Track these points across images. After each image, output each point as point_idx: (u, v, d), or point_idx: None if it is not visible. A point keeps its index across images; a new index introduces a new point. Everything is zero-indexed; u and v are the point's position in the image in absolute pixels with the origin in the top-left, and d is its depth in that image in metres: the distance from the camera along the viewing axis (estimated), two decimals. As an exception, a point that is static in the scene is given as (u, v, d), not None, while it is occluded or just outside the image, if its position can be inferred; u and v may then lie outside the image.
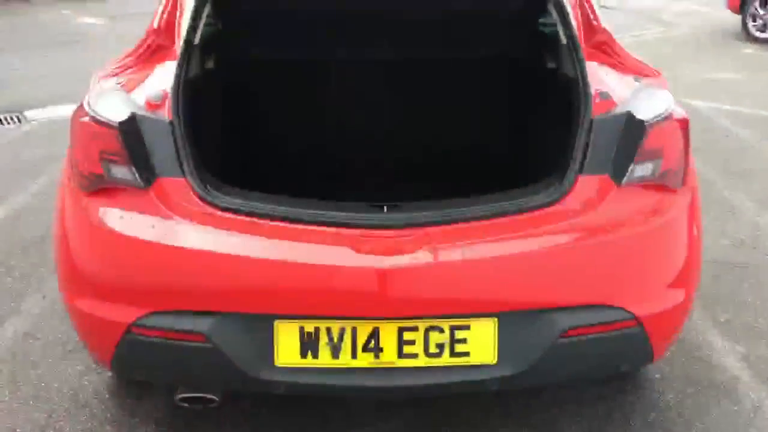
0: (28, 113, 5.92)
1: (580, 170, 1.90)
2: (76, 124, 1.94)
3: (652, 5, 11.88)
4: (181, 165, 1.87)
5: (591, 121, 1.93)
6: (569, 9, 2.21)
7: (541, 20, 2.61)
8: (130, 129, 1.84)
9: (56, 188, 2.11)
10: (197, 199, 1.84)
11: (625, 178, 1.88)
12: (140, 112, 1.89)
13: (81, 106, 1.95)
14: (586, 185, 1.89)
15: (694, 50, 8.62)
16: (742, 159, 4.88)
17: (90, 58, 7.25)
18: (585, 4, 2.44)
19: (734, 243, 3.60)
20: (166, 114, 1.92)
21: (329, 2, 2.54)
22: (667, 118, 1.92)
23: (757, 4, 8.95)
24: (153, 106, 1.94)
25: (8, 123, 5.79)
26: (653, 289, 1.92)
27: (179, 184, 1.86)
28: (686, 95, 6.15)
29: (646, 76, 2.22)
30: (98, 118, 1.85)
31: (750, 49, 8.68)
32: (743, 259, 3.42)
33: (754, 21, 9.05)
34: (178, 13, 2.31)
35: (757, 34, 9.01)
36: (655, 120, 1.88)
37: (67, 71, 6.92)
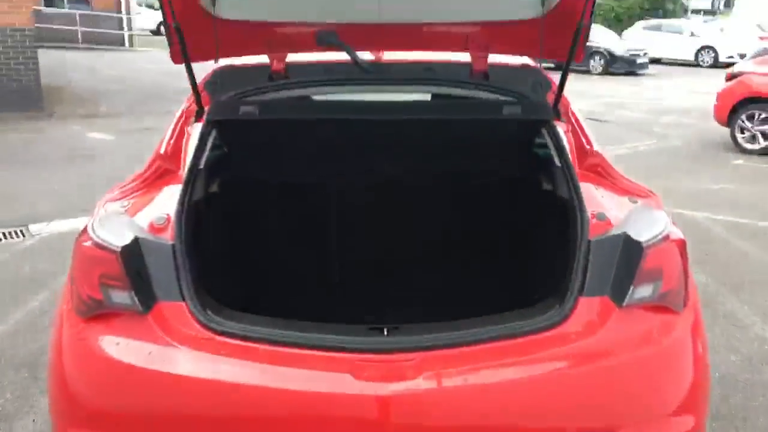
0: (33, 227, 5.98)
1: (581, 292, 1.89)
2: (78, 249, 1.96)
3: (643, 117, 12.30)
4: (181, 289, 1.87)
5: (589, 243, 1.94)
6: (562, 133, 2.29)
7: (536, 142, 2.69)
8: (132, 253, 1.85)
9: (55, 305, 2.10)
10: (196, 324, 1.83)
11: (625, 300, 1.87)
12: (143, 236, 1.91)
13: (84, 230, 1.98)
14: (586, 308, 1.88)
15: (687, 161, 8.84)
16: (744, 270, 4.88)
17: (97, 174, 7.44)
18: (577, 128, 2.53)
19: (742, 359, 3.53)
20: (168, 237, 1.94)
21: (331, 130, 2.63)
22: (665, 239, 1.94)
23: (744, 117, 9.27)
24: (156, 229, 1.97)
25: (12, 237, 5.84)
26: (659, 416, 1.87)
27: (179, 309, 1.85)
28: (683, 206, 6.25)
29: (641, 196, 2.27)
30: (100, 242, 1.87)
31: (741, 160, 8.91)
32: (753, 377, 3.34)
33: (743, 133, 9.33)
34: (185, 139, 2.40)
35: (747, 145, 9.27)
36: (652, 241, 1.90)
37: (73, 186, 7.06)
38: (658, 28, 24.89)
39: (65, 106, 11.52)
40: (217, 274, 2.34)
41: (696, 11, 44.22)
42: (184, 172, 2.17)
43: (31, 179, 7.34)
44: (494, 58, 2.80)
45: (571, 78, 2.58)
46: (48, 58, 13.28)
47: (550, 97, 2.68)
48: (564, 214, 2.11)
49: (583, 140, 2.52)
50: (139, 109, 11.57)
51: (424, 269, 2.96)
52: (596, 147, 2.51)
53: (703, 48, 23.52)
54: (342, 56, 2.68)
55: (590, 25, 2.36)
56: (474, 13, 2.65)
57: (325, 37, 2.60)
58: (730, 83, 9.54)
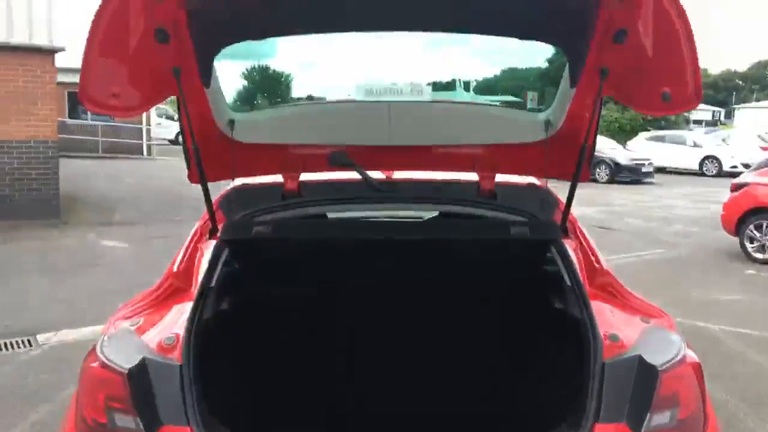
0: (40, 337, 5.95)
1: (596, 418, 1.84)
2: (85, 370, 1.95)
3: (650, 226, 12.37)
4: (186, 413, 1.84)
5: (603, 366, 1.91)
6: (571, 252, 2.31)
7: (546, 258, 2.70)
8: (139, 376, 1.84)
9: (56, 418, 2.05)
10: None
11: (643, 428, 1.82)
12: (151, 356, 1.91)
13: (93, 350, 1.97)
14: None
15: (696, 271, 8.80)
16: (763, 386, 4.74)
17: (108, 282, 7.48)
18: (585, 245, 2.55)
19: (768, 483, 3.37)
20: (177, 358, 1.93)
21: (343, 249, 2.66)
22: (680, 362, 1.91)
23: (752, 226, 9.30)
24: (165, 349, 1.97)
25: (19, 347, 5.80)
26: None
27: None
28: (695, 317, 6.17)
29: (653, 316, 2.25)
30: (107, 363, 1.86)
31: (752, 270, 8.85)
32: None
33: (752, 243, 9.33)
34: (197, 256, 2.44)
35: (757, 255, 9.24)
36: (667, 365, 1.87)
37: (84, 295, 7.08)
38: (661, 138, 25.51)
39: (81, 214, 11.76)
40: (226, 396, 2.30)
41: (697, 122, 45.53)
42: (195, 290, 2.20)
43: (42, 288, 7.38)
44: (501, 177, 2.88)
45: (578, 186, 2.64)
46: (68, 167, 13.69)
47: (558, 215, 2.73)
48: (576, 335, 2.09)
49: (592, 258, 2.53)
50: (154, 217, 11.79)
51: (432, 391, 2.90)
52: (605, 265, 2.52)
53: (707, 158, 23.98)
54: (353, 175, 2.78)
55: (594, 146, 2.44)
56: (480, 137, 2.76)
57: (337, 158, 2.71)
58: (735, 194, 9.65)
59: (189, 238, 2.78)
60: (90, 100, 2.11)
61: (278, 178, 2.86)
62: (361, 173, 2.76)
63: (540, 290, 2.59)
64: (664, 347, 1.94)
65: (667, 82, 2.12)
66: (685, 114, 36.71)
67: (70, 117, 22.50)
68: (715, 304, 7.04)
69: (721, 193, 14.92)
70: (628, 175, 20.78)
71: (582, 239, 2.70)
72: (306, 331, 2.90)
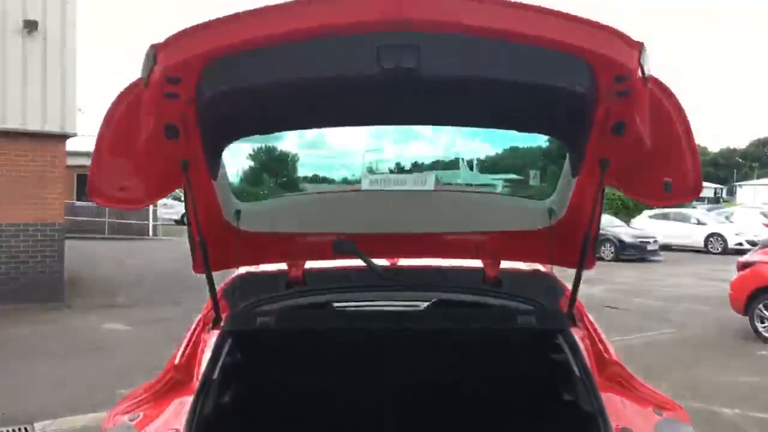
0: (38, 425, 5.80)
1: None
2: None
3: (659, 305, 12.22)
4: None
5: None
6: (579, 342, 2.27)
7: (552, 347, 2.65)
8: None
9: None
10: None
11: None
12: None
13: None
14: None
15: (709, 351, 8.62)
16: (784, 476, 4.55)
17: (108, 366, 7.36)
18: (593, 335, 2.51)
19: None
20: None
21: (348, 338, 2.62)
22: None
23: (761, 306, 9.18)
24: None
25: (15, 436, 5.65)
26: None
27: None
28: (709, 401, 6.00)
29: (666, 408, 2.19)
30: None
31: (765, 351, 8.66)
32: None
33: (763, 323, 9.18)
34: (200, 347, 2.40)
35: (768, 335, 9.09)
36: None
37: (84, 380, 6.96)
38: (665, 216, 25.59)
39: (84, 297, 11.70)
40: None
41: (700, 199, 45.87)
42: (196, 382, 2.15)
43: (41, 372, 7.26)
44: (506, 264, 2.87)
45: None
46: (74, 249, 13.73)
47: (564, 302, 2.70)
48: (587, 429, 2.03)
49: (601, 347, 2.49)
50: (157, 298, 11.73)
51: None
52: (614, 354, 2.48)
53: (711, 235, 23.98)
54: (358, 263, 2.77)
55: (597, 235, 2.44)
56: (484, 223, 2.77)
57: (342, 246, 2.71)
58: (742, 272, 9.58)
59: (192, 328, 2.75)
60: (100, 195, 2.14)
61: (283, 266, 2.86)
62: (366, 261, 2.75)
63: (548, 381, 2.52)
64: None
65: (668, 173, 2.13)
66: (687, 191, 36.84)
67: (78, 199, 22.81)
68: (730, 387, 6.86)
69: (727, 270, 14.84)
70: (634, 253, 20.72)
71: (590, 327, 2.66)
72: (311, 424, 2.82)
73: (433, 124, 2.64)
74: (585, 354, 2.26)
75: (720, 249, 23.43)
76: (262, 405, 2.74)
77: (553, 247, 2.58)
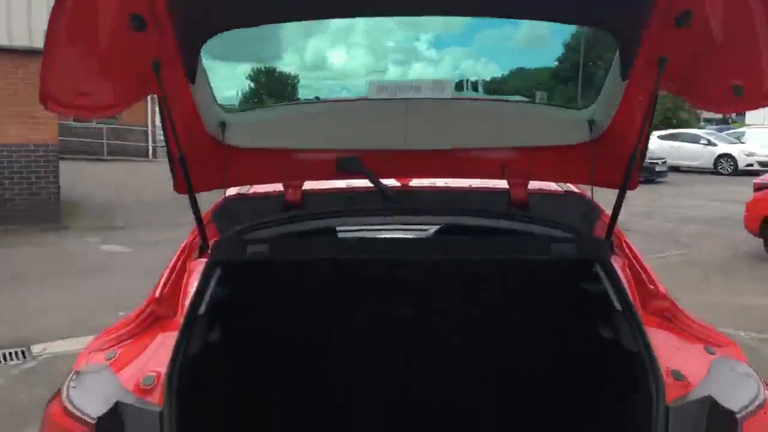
0: (35, 348, 5.68)
1: None
2: (47, 417, 1.63)
3: (668, 227, 11.99)
4: None
5: (667, 410, 1.58)
6: (620, 272, 1.97)
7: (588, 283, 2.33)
8: (110, 425, 1.53)
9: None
10: None
11: None
12: (126, 399, 1.60)
13: (58, 393, 1.66)
14: None
15: (720, 273, 8.43)
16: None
17: (108, 289, 7.20)
18: (636, 265, 2.21)
19: None
20: (157, 401, 1.62)
21: (354, 271, 2.30)
22: (760, 406, 1.57)
23: (777, 226, 8.95)
24: (143, 391, 1.66)
25: (12, 359, 5.53)
26: None
27: None
28: (724, 325, 5.80)
29: (718, 345, 1.91)
30: (73, 411, 1.55)
31: (779, 272, 8.50)
32: None
33: (776, 244, 8.98)
34: (185, 277, 2.11)
35: (782, 256, 8.89)
36: (746, 411, 1.54)
37: (82, 302, 6.81)
38: (675, 137, 25.04)
39: (82, 219, 11.51)
40: None
41: (708, 120, 44.96)
42: (181, 318, 1.87)
43: (39, 295, 7.12)
44: (534, 185, 2.52)
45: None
46: (71, 170, 13.46)
47: (601, 228, 2.36)
48: (630, 372, 1.76)
49: (645, 278, 2.19)
50: (157, 220, 11.51)
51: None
52: (661, 286, 2.18)
53: (721, 156, 23.52)
54: (365, 183, 2.43)
55: (646, 150, 2.10)
56: (511, 138, 2.40)
57: (347, 164, 2.35)
58: (759, 193, 9.29)
59: (175, 255, 2.44)
60: (53, 99, 1.76)
61: (278, 187, 2.51)
62: (374, 181, 2.39)
63: (584, 318, 2.22)
64: (738, 385, 1.61)
65: (738, 74, 1.77)
66: (697, 112, 36.11)
67: (75, 119, 22.32)
68: (746, 310, 6.68)
69: (737, 191, 14.53)
70: (642, 175, 20.21)
71: (630, 255, 2.35)
72: (312, 367, 2.55)
73: (464, 13, 2.24)
74: (627, 286, 1.96)
75: (730, 170, 23.04)
76: (256, 345, 2.47)
77: (594, 164, 2.21)
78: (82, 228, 10.88)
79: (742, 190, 9.99)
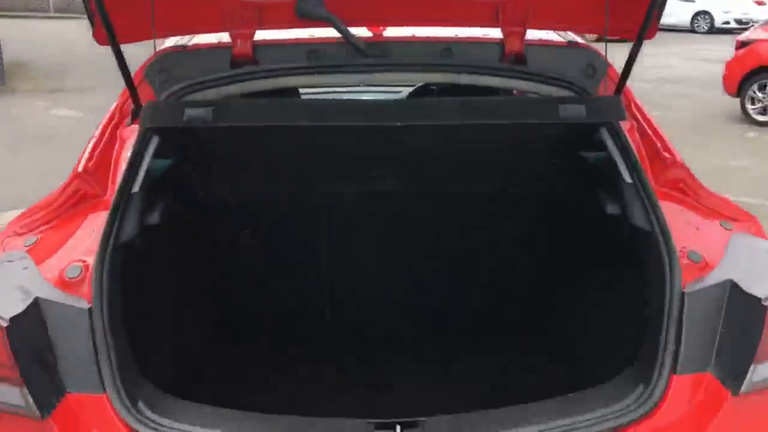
0: (-17, 219, 5.37)
1: (674, 369, 1.33)
2: None
3: (642, 86, 11.63)
4: (100, 374, 1.30)
5: (682, 296, 1.38)
6: (628, 137, 1.69)
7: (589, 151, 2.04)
8: (29, 327, 1.28)
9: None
10: (121, 426, 1.26)
11: (743, 385, 1.31)
12: (48, 296, 1.34)
13: None
14: (684, 392, 1.32)
15: (695, 134, 8.29)
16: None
17: (58, 157, 6.78)
18: (648, 130, 1.92)
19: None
20: (85, 296, 1.36)
21: (315, 139, 1.95)
22: None
23: (755, 87, 8.73)
24: (68, 284, 1.40)
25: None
26: None
27: (96, 403, 1.29)
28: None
29: (736, 219, 1.69)
30: None
31: (753, 133, 8.39)
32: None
33: (753, 104, 8.80)
34: (115, 150, 1.77)
35: (758, 117, 8.75)
36: None
37: (34, 171, 6.42)
38: (651, -8, 24.13)
39: (29, 81, 10.78)
40: (159, 341, 1.76)
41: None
42: (112, 197, 1.56)
43: (-16, 164, 6.70)
44: (532, 34, 2.14)
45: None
46: (14, 28, 12.45)
47: (609, 85, 2.02)
48: (641, 251, 1.54)
49: (658, 145, 1.91)
50: (112, 82, 10.77)
51: (441, 325, 2.38)
52: (677, 155, 1.91)
53: (698, 14, 22.82)
54: (330, 32, 2.02)
55: None
56: None
57: (308, 9, 1.93)
58: (739, 51, 8.97)
59: (103, 122, 2.07)
60: None
61: (225, 37, 2.08)
62: (339, 30, 2.00)
63: (586, 191, 1.94)
64: (762, 267, 1.41)
65: None
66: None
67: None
68: (721, 171, 6.60)
69: (714, 51, 14.16)
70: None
71: (641, 118, 2.05)
72: (269, 248, 2.28)
73: None
74: (637, 154, 1.68)
75: (706, 28, 22.47)
76: (202, 227, 2.18)
77: (609, 9, 1.83)
78: (29, 92, 10.21)
79: (719, 49, 9.66)
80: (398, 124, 1.73)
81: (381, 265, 2.33)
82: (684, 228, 1.56)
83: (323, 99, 2.12)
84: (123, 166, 1.59)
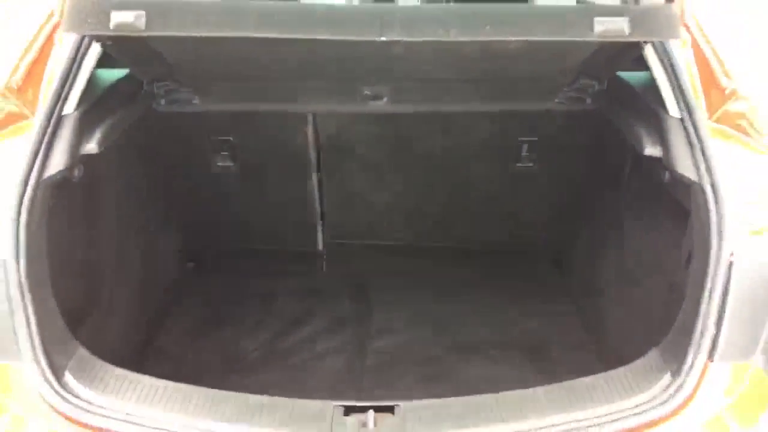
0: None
1: (711, 354, 1.10)
2: None
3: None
4: (17, 341, 1.09)
5: (730, 267, 1.12)
6: (680, 59, 1.35)
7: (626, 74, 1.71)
8: None
9: None
10: (38, 400, 1.08)
11: None
12: None
13: None
14: (722, 382, 1.10)
15: None
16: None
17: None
18: (705, 49, 1.57)
19: None
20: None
21: (281, 51, 1.60)
22: None
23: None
24: None
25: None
26: None
27: (12, 374, 1.09)
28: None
29: None
30: None
31: None
32: None
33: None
34: (51, 56, 1.46)
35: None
36: None
37: None
38: None
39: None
40: (107, 298, 1.55)
41: None
42: (39, 118, 1.28)
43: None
44: None
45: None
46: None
47: None
48: (680, 209, 1.27)
49: (718, 69, 1.56)
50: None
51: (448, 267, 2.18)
52: (738, 82, 1.56)
53: None
54: None
55: None
56: None
57: None
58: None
59: (38, 26, 1.71)
60: None
61: None
62: None
63: (618, 125, 1.62)
64: None
65: None
66: None
67: None
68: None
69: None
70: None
71: (699, 34, 1.66)
72: (244, 175, 2.02)
73: None
74: (687, 80, 1.32)
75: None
76: (164, 152, 1.91)
77: None
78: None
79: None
80: (383, 38, 1.38)
81: (378, 195, 2.08)
82: (740, 180, 1.26)
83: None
84: (54, 83, 1.30)
